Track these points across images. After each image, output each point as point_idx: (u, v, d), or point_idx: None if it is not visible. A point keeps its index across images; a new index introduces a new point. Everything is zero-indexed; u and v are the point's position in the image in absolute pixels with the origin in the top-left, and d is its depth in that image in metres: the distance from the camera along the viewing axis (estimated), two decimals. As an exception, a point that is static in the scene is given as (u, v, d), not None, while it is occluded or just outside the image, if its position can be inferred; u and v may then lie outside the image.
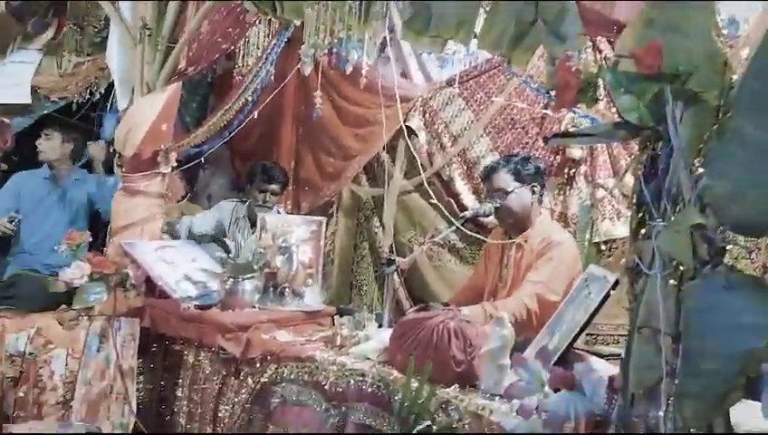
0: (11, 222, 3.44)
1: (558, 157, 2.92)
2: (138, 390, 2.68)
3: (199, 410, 2.48)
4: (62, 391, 2.72)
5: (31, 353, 2.73)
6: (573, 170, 2.86)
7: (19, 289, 3.41)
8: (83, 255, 2.73)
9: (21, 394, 2.60)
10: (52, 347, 2.76)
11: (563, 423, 1.44)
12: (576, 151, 2.83)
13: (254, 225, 3.19)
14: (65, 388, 2.72)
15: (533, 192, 2.50)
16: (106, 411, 2.65)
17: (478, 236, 2.78)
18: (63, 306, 2.89)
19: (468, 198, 3.12)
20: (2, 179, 3.80)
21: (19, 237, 3.55)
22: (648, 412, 1.32)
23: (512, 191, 2.46)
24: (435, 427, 1.75)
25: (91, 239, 2.85)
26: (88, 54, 3.45)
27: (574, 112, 2.71)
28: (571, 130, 2.69)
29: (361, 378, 2.00)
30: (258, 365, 2.31)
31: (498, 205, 2.48)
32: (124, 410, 2.66)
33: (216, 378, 2.45)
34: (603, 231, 2.72)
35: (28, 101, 3.60)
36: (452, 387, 1.82)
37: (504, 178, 2.49)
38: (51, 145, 3.61)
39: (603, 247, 2.71)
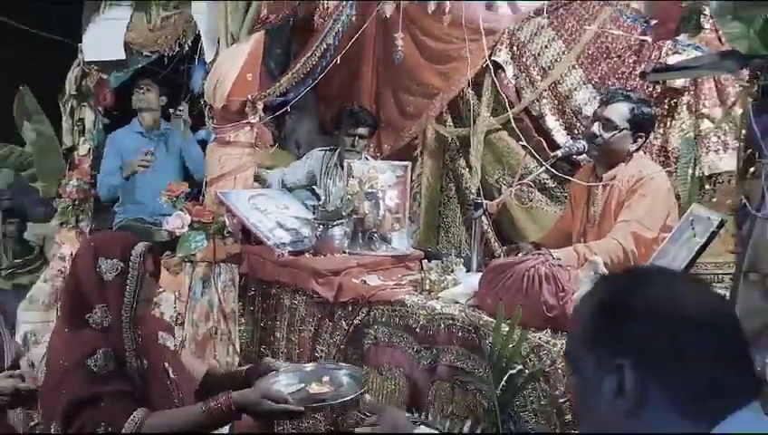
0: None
1: (658, 87, 2.75)
2: (240, 331, 2.87)
3: (297, 350, 2.63)
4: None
5: (144, 296, 2.96)
6: (675, 100, 2.68)
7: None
8: (182, 205, 2.89)
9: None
10: (161, 290, 2.98)
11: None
12: (678, 80, 2.64)
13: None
14: (176, 329, 2.95)
15: (635, 141, 2.39)
16: (212, 351, 2.87)
17: (569, 178, 2.69)
18: (168, 253, 3.10)
19: (560, 136, 3.00)
20: (104, 133, 4.05)
21: (133, 187, 3.79)
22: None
23: (620, 130, 2.35)
24: (526, 370, 1.77)
25: (188, 190, 2.99)
26: (175, 8, 3.54)
27: (676, 40, 2.52)
28: (671, 59, 2.51)
29: (451, 322, 2.05)
30: (350, 308, 2.40)
31: (599, 134, 2.37)
32: (229, 349, 2.86)
33: (311, 320, 2.58)
34: (707, 164, 2.55)
35: (123, 56, 3.78)
36: (543, 331, 1.83)
37: (622, 112, 2.35)
38: (148, 97, 3.83)
39: (707, 187, 2.53)
